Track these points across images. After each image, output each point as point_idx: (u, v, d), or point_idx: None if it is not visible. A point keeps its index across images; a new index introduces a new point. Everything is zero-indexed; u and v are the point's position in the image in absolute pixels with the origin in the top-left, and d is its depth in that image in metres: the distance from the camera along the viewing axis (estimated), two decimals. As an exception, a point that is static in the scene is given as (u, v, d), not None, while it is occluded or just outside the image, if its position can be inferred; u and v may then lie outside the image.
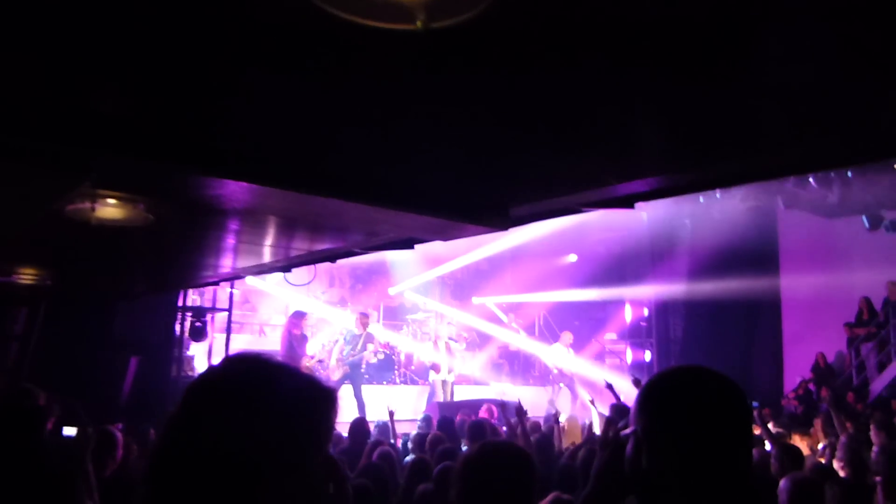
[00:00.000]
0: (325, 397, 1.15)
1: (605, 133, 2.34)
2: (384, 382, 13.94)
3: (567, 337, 13.93)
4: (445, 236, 3.53)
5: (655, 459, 1.25)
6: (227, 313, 10.65)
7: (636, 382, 7.10)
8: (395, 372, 14.26)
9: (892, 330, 12.22)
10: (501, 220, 3.16)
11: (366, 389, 12.54)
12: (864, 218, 11.92)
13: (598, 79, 1.93)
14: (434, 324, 17.15)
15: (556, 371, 13.56)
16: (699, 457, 1.22)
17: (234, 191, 2.83)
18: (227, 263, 6.11)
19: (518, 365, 17.04)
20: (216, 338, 10.77)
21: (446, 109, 2.25)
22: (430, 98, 2.17)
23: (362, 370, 11.71)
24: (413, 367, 13.96)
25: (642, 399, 1.32)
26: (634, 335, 16.34)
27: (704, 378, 1.29)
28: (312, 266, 6.38)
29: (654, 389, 1.32)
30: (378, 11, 1.62)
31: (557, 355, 13.72)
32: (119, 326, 9.39)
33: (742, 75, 1.92)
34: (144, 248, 4.95)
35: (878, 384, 11.99)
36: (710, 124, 2.29)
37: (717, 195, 12.66)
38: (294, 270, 6.50)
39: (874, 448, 4.88)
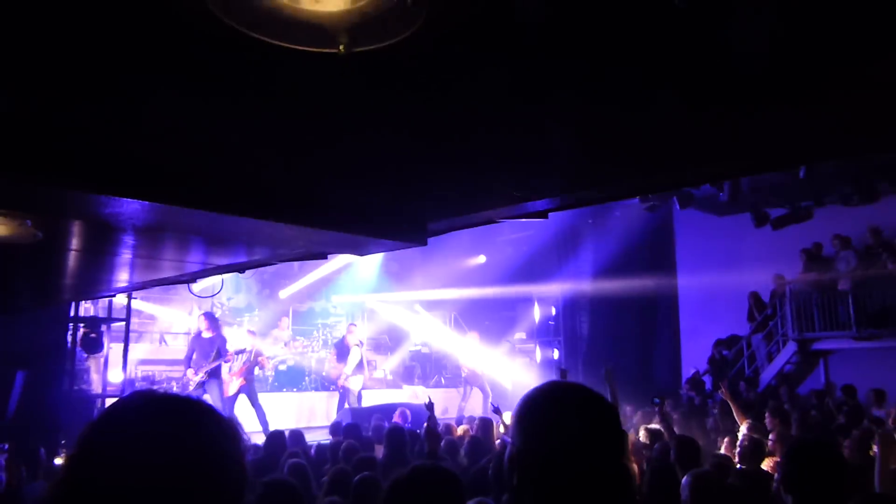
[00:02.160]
0: (234, 436, 1.16)
1: (521, 153, 2.40)
2: (294, 389, 13.71)
3: (473, 337, 14.12)
4: (361, 251, 3.52)
5: (519, 468, 1.30)
6: (124, 323, 10.19)
7: (496, 411, 7.29)
8: (306, 378, 14.05)
9: (780, 321, 13.12)
10: (419, 234, 3.18)
11: (274, 398, 12.33)
12: (750, 215, 12.71)
13: (511, 102, 1.99)
14: (344, 327, 17.10)
15: (466, 372, 13.71)
16: (552, 467, 1.27)
17: (133, 209, 2.71)
18: (123, 278, 5.85)
19: (430, 367, 17.11)
20: (112, 348, 10.28)
21: (361, 124, 2.25)
22: (344, 114, 2.16)
23: (269, 378, 11.56)
24: (324, 373, 13.82)
25: (515, 412, 1.39)
26: (543, 334, 16.76)
27: (568, 395, 1.34)
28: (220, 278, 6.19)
29: (523, 404, 1.38)
30: (298, 32, 1.59)
31: (467, 355, 13.92)
32: (1, 339, 8.79)
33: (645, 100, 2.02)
34: (32, 263, 4.65)
35: (768, 373, 12.88)
36: (616, 144, 2.40)
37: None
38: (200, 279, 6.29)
39: (770, 437, 5.22)
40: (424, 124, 2.14)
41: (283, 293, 16.92)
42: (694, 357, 14.55)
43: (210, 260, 4.91)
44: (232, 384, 10.78)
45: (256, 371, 11.46)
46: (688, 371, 14.21)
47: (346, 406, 11.96)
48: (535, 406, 1.34)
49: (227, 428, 1.17)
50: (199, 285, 6.75)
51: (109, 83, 1.91)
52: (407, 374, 17.25)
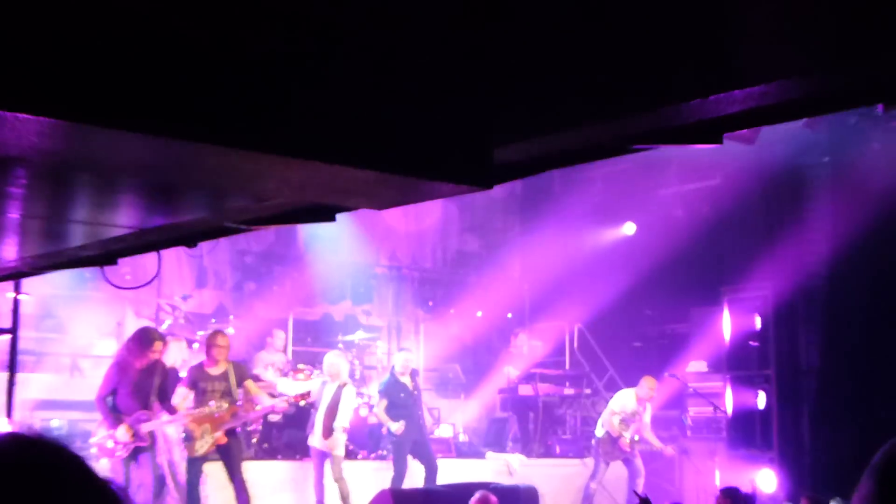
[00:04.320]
0: None
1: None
2: (297, 457, 14.13)
3: (648, 384, 15.09)
4: (382, 200, 3.51)
5: None
6: (10, 336, 10.58)
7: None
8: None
9: None
10: (478, 169, 3.14)
11: (262, 469, 12.64)
12: None
13: None
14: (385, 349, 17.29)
15: (619, 434, 14.77)
16: None
17: (21, 132, 2.78)
18: (7, 253, 6.05)
19: (537, 421, 17.26)
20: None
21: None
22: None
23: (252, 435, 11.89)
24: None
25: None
26: (738, 363, 16.64)
27: None
28: (156, 255, 6.31)
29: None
30: None
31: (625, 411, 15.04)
32: None
33: None
34: None
35: None
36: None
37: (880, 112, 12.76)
38: (123, 261, 6.44)
39: None
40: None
41: (279, 289, 17.24)
42: None
43: (148, 221, 5.02)
44: (201, 441, 11.12)
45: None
46: None
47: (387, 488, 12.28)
48: None
49: None
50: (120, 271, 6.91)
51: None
52: (494, 433, 17.42)
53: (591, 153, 3.54)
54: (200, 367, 11.84)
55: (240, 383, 11.68)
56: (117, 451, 10.54)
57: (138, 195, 4.52)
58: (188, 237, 5.38)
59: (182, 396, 11.57)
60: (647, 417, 15.28)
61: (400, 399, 14.03)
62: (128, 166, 3.53)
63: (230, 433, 11.50)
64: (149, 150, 3.08)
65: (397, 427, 13.74)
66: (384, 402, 14.13)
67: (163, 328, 14.45)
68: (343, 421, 13.01)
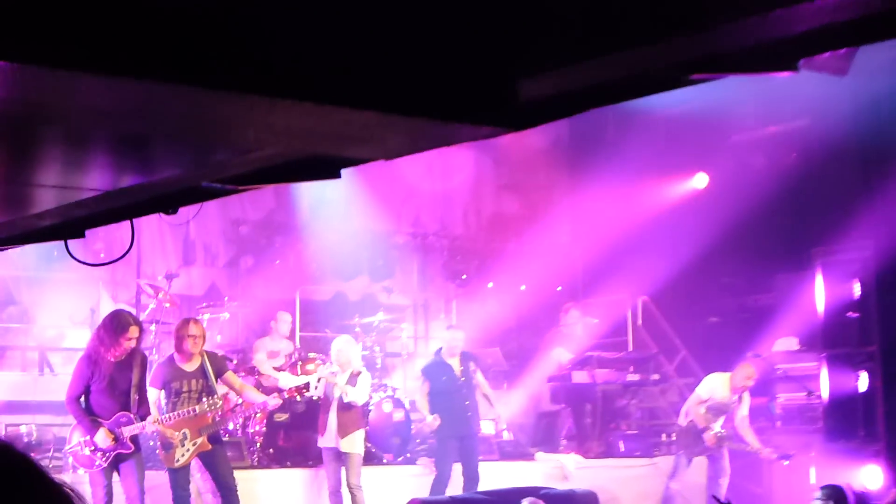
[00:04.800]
0: None
1: None
2: (309, 463, 14.28)
3: (745, 372, 14.90)
4: (388, 148, 3.53)
5: None
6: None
7: None
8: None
9: None
10: (500, 107, 3.14)
11: (263, 478, 12.76)
12: None
13: None
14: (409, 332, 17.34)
15: (705, 426, 14.73)
16: None
17: None
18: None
19: (596, 413, 17.28)
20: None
21: None
22: None
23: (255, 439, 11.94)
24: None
25: None
26: (836, 340, 16.61)
27: None
28: (129, 225, 6.36)
29: None
30: None
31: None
32: None
33: None
34: None
35: None
36: None
37: None
38: (95, 237, 6.49)
39: None
40: None
41: (282, 264, 17.30)
42: None
43: (116, 181, 5.08)
44: (181, 449, 11.19)
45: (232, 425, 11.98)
46: None
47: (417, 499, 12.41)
48: None
49: None
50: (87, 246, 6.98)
51: None
52: (544, 430, 17.45)
53: (640, 85, 3.51)
54: (171, 363, 11.90)
55: (219, 377, 11.74)
56: (97, 459, 10.63)
57: (103, 150, 4.53)
58: (165, 201, 5.41)
59: (151, 401, 11.50)
60: (745, 410, 15.10)
61: (441, 384, 14.14)
62: (89, 114, 3.55)
63: (214, 438, 11.59)
64: (109, 95, 3.09)
65: (431, 420, 13.83)
66: (426, 386, 14.29)
67: (144, 315, 14.56)
68: (358, 398, 13.03)
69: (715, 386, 15.07)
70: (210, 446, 11.43)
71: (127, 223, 6.42)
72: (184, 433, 11.23)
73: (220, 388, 11.80)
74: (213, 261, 17.59)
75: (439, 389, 14.08)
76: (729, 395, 14.88)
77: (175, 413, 11.25)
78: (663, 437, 17.11)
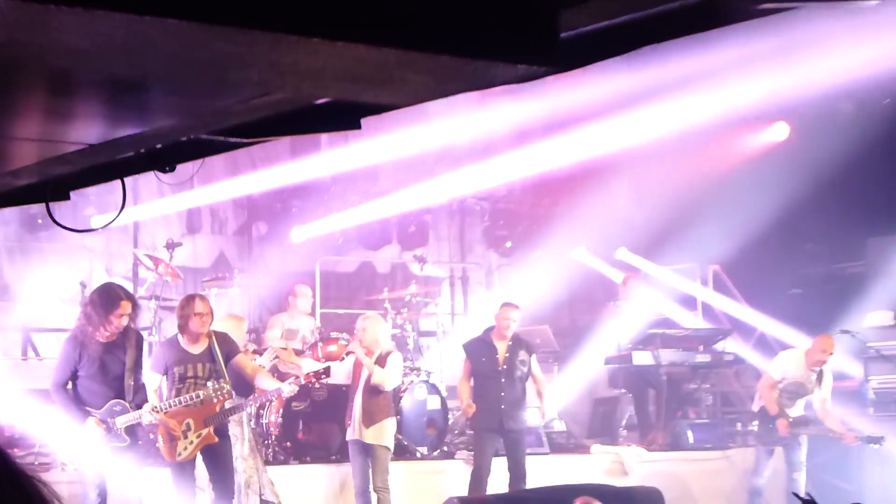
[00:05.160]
0: None
1: None
2: (334, 457, 14.33)
3: (822, 345, 14.91)
4: (411, 91, 3.52)
5: None
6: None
7: None
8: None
9: None
10: (538, 42, 3.12)
11: (292, 474, 12.84)
12: None
13: None
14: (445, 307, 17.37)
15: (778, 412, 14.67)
16: None
17: None
18: None
19: (659, 398, 17.25)
20: None
21: None
22: None
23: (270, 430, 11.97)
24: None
25: None
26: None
27: None
28: (119, 185, 6.37)
29: None
30: None
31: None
32: None
33: None
34: None
35: None
36: None
37: None
38: (84, 200, 6.51)
39: None
40: None
41: (299, 233, 17.32)
42: None
43: (104, 133, 5.09)
44: (183, 442, 11.19)
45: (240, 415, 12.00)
46: None
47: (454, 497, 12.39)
48: None
49: None
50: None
51: None
52: (601, 419, 17.46)
53: (702, 17, 3.48)
54: (174, 344, 11.87)
55: (228, 360, 11.70)
56: (87, 454, 10.62)
57: (86, 96, 4.56)
58: (160, 156, 5.46)
59: (151, 388, 11.54)
60: (826, 391, 15.03)
61: (480, 365, 14.08)
62: (68, 55, 3.57)
63: (221, 431, 11.57)
64: (89, 32, 3.11)
65: (466, 405, 13.84)
66: (467, 366, 14.25)
67: (143, 290, 14.59)
68: (386, 381, 12.99)
69: (788, 364, 15.02)
70: (216, 439, 11.39)
71: (118, 183, 6.45)
72: (187, 423, 11.23)
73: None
74: (220, 228, 17.60)
75: (476, 370, 14.05)
76: (805, 374, 14.82)
77: (177, 400, 11.21)
78: (738, 426, 17.06)
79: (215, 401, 11.14)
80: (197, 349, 11.52)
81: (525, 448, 14.26)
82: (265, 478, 12.38)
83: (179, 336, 11.71)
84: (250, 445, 12.26)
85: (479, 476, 13.69)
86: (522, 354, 14.24)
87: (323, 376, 12.38)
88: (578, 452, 16.05)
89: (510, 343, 14.09)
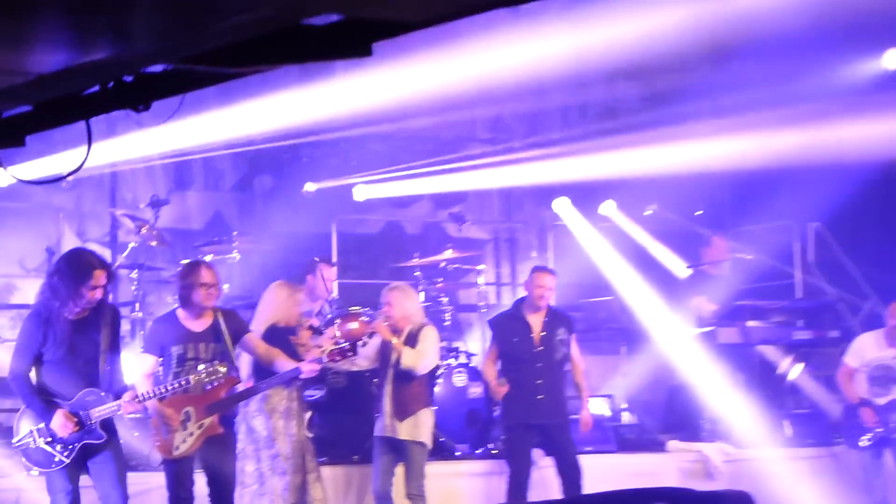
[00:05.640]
0: None
1: None
2: (355, 456, 14.37)
3: None
4: (429, 5, 3.44)
5: None
6: None
7: None
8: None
9: None
10: None
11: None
12: None
13: None
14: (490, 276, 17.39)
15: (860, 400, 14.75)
16: None
17: None
18: None
19: (750, 382, 17.16)
20: None
21: None
22: None
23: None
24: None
25: None
26: None
27: None
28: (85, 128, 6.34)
29: None
30: None
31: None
32: None
33: None
34: None
35: None
36: None
37: None
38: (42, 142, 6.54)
39: None
40: None
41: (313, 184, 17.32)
42: None
43: (60, 59, 5.11)
44: (181, 433, 11.34)
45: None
46: None
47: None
48: None
49: None
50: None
51: None
52: (679, 410, 17.48)
53: None
54: (172, 320, 11.90)
55: (236, 340, 11.71)
56: (55, 455, 10.58)
57: (41, 14, 4.57)
58: (128, 90, 5.40)
59: (143, 371, 11.59)
60: None
61: (510, 346, 13.98)
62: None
63: (226, 420, 11.60)
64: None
65: (495, 383, 13.85)
66: (494, 346, 14.26)
67: (122, 256, 14.61)
68: (417, 363, 12.89)
69: (864, 346, 15.08)
70: (221, 430, 11.47)
71: (83, 125, 6.43)
72: (186, 412, 11.28)
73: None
74: (215, 183, 17.64)
75: (504, 353, 13.99)
76: (889, 353, 14.73)
77: (172, 384, 11.16)
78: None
79: (208, 387, 11.07)
80: (199, 326, 11.61)
81: (574, 443, 14.11)
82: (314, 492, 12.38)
83: (179, 311, 11.78)
84: (295, 443, 12.24)
85: (517, 482, 13.63)
86: (561, 332, 14.10)
87: (350, 353, 12.17)
88: (652, 450, 16.06)
89: (546, 319, 13.93)
